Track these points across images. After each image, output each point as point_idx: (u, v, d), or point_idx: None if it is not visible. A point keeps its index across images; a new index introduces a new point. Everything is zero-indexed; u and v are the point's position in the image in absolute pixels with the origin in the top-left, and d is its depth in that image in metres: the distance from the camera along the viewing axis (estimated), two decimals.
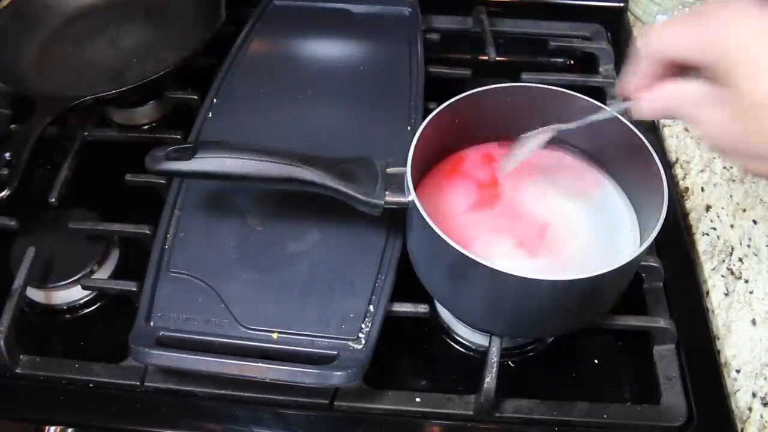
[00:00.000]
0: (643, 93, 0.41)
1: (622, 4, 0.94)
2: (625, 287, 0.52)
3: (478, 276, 0.47)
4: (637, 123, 0.51)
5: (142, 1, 0.87)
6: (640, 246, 0.47)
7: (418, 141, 0.52)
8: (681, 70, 0.39)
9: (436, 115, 0.54)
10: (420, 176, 0.58)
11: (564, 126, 0.52)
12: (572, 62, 0.91)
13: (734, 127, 0.36)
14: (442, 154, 0.60)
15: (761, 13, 0.34)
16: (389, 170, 0.53)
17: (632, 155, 0.52)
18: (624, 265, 0.45)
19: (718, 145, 0.38)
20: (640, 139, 0.51)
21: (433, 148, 0.56)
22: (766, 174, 0.37)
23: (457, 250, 0.45)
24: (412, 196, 0.50)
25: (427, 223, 0.47)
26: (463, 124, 0.57)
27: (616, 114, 0.49)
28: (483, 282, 0.48)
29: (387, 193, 0.52)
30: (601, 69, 0.86)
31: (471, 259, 0.45)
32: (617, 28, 0.93)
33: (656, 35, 0.39)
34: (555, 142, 0.60)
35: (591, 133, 0.56)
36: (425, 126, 0.53)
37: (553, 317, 0.51)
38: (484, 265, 0.45)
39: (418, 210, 0.48)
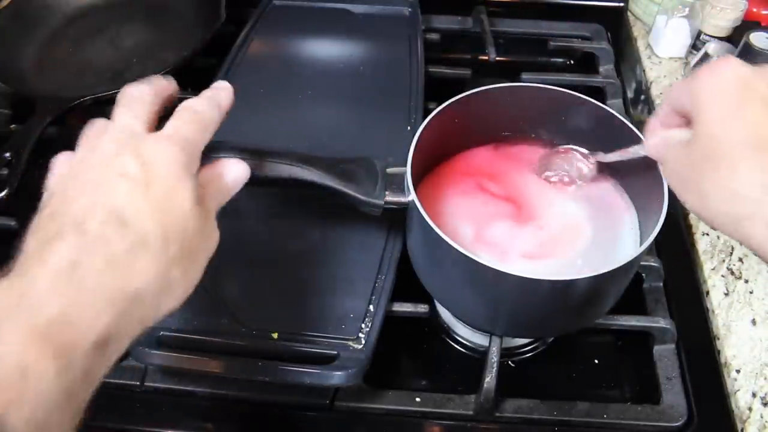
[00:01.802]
0: (652, 133, 0.45)
1: (622, 4, 0.94)
2: (625, 287, 0.52)
3: (478, 276, 0.47)
4: (638, 125, 0.51)
5: (142, 1, 0.87)
6: (640, 246, 0.47)
7: (418, 141, 0.52)
8: None
9: (436, 115, 0.54)
10: (420, 176, 0.58)
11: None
12: (572, 62, 0.92)
13: (684, 157, 0.39)
14: (442, 154, 0.60)
15: (745, 69, 0.37)
16: (389, 170, 0.53)
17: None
18: (624, 265, 0.45)
19: (670, 172, 0.42)
20: (641, 140, 0.51)
21: (433, 148, 0.56)
22: (694, 208, 0.39)
23: (457, 250, 0.45)
24: (412, 196, 0.50)
25: (427, 223, 0.47)
26: (464, 124, 0.57)
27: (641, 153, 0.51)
28: (483, 282, 0.48)
29: (387, 193, 0.52)
30: (601, 69, 0.86)
31: (471, 259, 0.45)
32: (617, 28, 0.93)
33: (672, 87, 0.43)
34: (557, 146, 0.60)
35: (591, 134, 0.57)
36: (425, 126, 0.53)
37: (554, 317, 0.51)
38: (484, 265, 0.45)
39: (418, 210, 0.48)
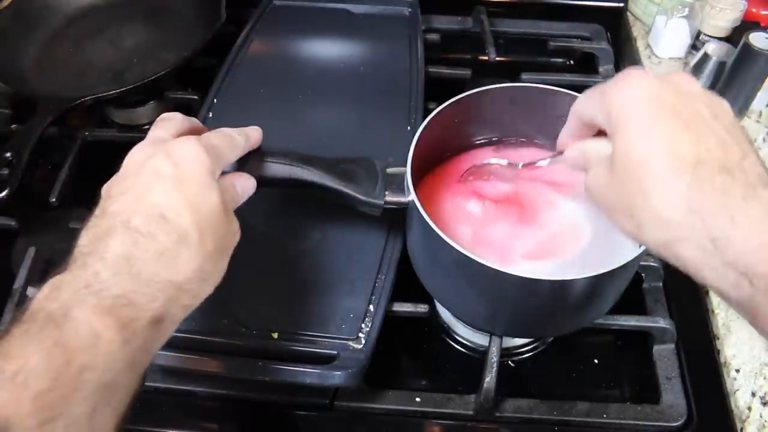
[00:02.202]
0: (568, 146, 0.46)
1: (622, 4, 0.94)
2: (624, 287, 0.52)
3: (478, 276, 0.47)
4: None
5: (142, 1, 0.87)
6: (640, 246, 0.47)
7: (418, 141, 0.52)
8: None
9: (436, 115, 0.54)
10: (420, 176, 0.58)
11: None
12: (572, 62, 0.92)
13: (606, 181, 0.38)
14: (442, 154, 0.60)
15: (653, 80, 0.37)
16: (389, 170, 0.53)
17: None
18: (624, 265, 0.45)
19: (594, 196, 0.40)
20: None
21: (433, 148, 0.56)
22: (626, 231, 0.38)
23: (457, 250, 0.45)
24: (412, 196, 0.50)
25: (427, 223, 0.47)
26: (463, 124, 0.57)
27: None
28: (483, 282, 0.48)
29: (387, 193, 0.52)
30: (601, 69, 0.86)
31: (471, 258, 0.45)
32: (617, 28, 0.93)
33: (577, 100, 0.43)
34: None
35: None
36: (425, 126, 0.53)
37: (554, 317, 0.51)
38: (484, 265, 0.44)
39: (418, 210, 0.48)
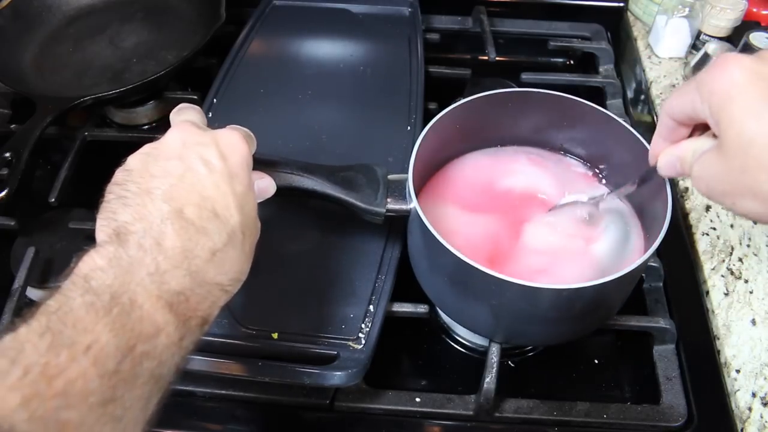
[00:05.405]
0: (660, 153, 0.44)
1: (622, 4, 0.94)
2: (628, 294, 0.52)
3: (480, 284, 0.47)
4: (638, 125, 0.51)
5: (142, 1, 0.87)
6: (644, 254, 0.47)
7: (419, 148, 0.51)
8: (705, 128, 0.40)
9: (437, 121, 0.53)
10: (421, 182, 0.57)
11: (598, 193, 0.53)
12: (572, 62, 0.92)
13: (720, 167, 0.37)
14: (443, 160, 0.59)
15: (749, 61, 0.36)
16: (390, 177, 0.52)
17: (634, 158, 0.52)
18: (627, 273, 0.45)
19: (707, 186, 0.39)
20: (641, 142, 0.51)
21: (434, 154, 0.56)
22: (754, 212, 0.37)
23: (459, 258, 0.45)
24: (413, 204, 0.49)
25: (429, 231, 0.46)
26: (464, 129, 0.57)
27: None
28: (485, 290, 0.47)
29: (388, 200, 0.51)
30: (601, 69, 0.86)
31: (473, 266, 0.44)
32: (617, 28, 0.93)
33: (667, 100, 0.41)
34: (558, 151, 0.60)
35: (593, 139, 0.56)
36: (426, 132, 0.52)
37: (557, 325, 0.51)
38: (486, 273, 0.44)
39: (420, 218, 0.48)
